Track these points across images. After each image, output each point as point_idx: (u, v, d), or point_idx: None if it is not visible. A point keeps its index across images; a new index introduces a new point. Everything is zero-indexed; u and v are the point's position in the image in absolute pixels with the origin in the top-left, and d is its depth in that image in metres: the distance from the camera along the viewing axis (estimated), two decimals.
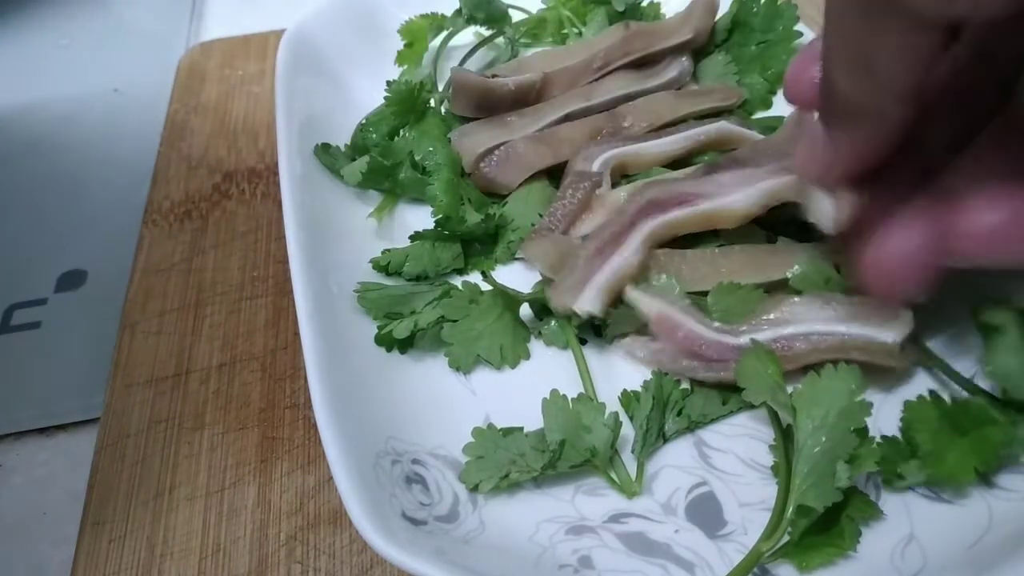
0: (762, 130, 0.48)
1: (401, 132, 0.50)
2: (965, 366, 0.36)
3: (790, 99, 0.36)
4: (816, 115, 0.33)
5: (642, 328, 0.39)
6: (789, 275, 0.39)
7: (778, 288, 0.39)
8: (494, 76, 0.50)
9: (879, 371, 0.36)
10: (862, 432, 0.31)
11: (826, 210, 0.35)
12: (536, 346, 0.40)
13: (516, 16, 0.58)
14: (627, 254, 0.39)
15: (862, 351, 0.35)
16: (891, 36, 0.26)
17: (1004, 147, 0.31)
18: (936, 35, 0.26)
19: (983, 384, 0.35)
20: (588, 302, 0.38)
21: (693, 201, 0.40)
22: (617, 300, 0.39)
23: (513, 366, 0.40)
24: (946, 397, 0.33)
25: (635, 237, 0.40)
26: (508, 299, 0.40)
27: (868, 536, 0.31)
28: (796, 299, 0.37)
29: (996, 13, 0.24)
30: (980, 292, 0.36)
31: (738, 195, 0.40)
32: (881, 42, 0.27)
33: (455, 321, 0.40)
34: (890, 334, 0.35)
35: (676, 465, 0.35)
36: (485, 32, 0.57)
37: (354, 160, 0.47)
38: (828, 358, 0.35)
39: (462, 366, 0.39)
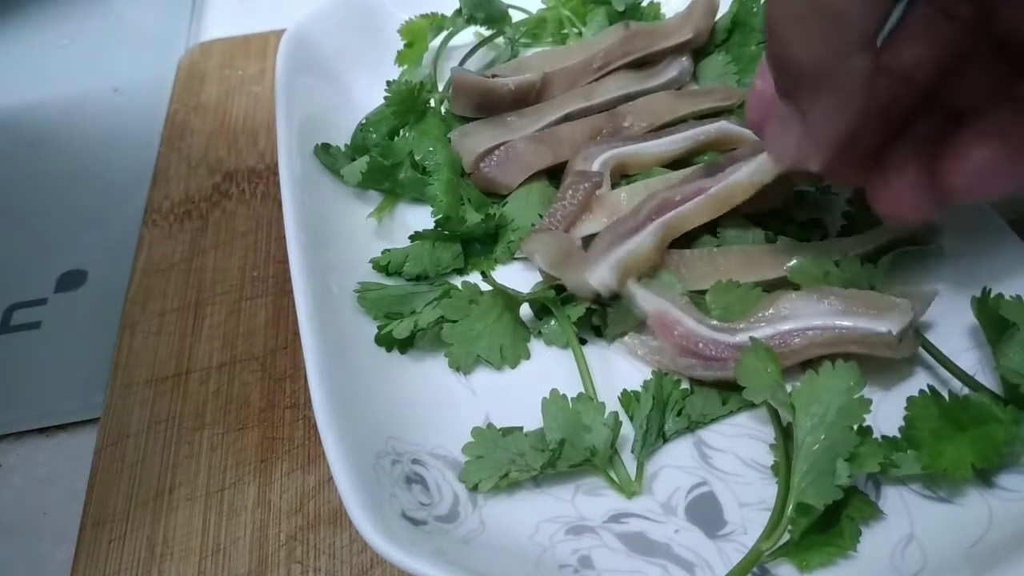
0: None
1: (401, 132, 0.50)
2: (966, 362, 0.36)
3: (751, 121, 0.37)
4: (777, 92, 0.32)
5: (642, 327, 0.39)
6: (786, 269, 0.39)
7: (777, 287, 0.39)
8: (494, 76, 0.50)
9: (880, 365, 0.36)
10: (863, 430, 0.31)
11: None
12: (536, 346, 0.40)
13: (516, 16, 0.58)
14: (640, 238, 0.39)
15: (859, 343, 0.35)
16: None
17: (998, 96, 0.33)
18: None
19: (985, 381, 0.35)
20: (601, 275, 0.38)
21: (703, 191, 0.41)
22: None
23: (513, 366, 0.40)
24: (945, 395, 0.33)
25: (650, 227, 0.40)
26: (508, 299, 0.40)
27: (868, 536, 0.31)
28: (792, 295, 0.37)
29: None
30: (981, 286, 0.36)
31: (743, 169, 0.40)
32: None
33: (455, 322, 0.40)
34: (887, 325, 0.35)
35: (676, 465, 0.35)
36: (485, 32, 0.57)
37: (354, 160, 0.47)
38: (826, 352, 0.35)
39: (462, 366, 0.39)
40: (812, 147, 0.32)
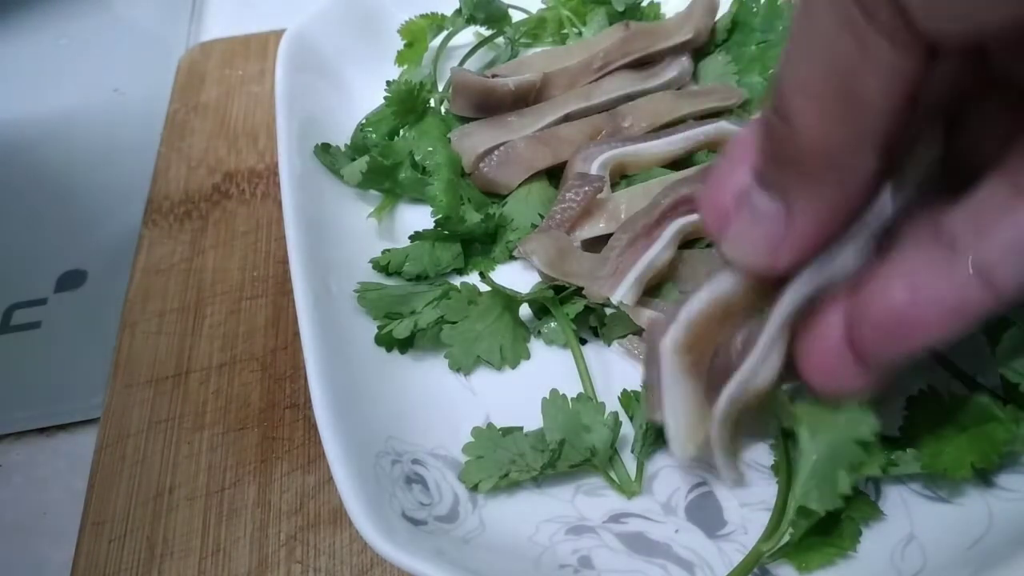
0: None
1: (401, 132, 0.50)
2: (966, 362, 0.36)
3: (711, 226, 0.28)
4: (755, 179, 0.26)
5: (640, 328, 0.39)
6: None
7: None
8: (494, 76, 0.50)
9: None
10: (865, 442, 0.31)
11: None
12: (536, 346, 0.40)
13: (516, 16, 0.58)
14: (659, 249, 0.39)
15: None
16: (881, 56, 0.21)
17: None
18: (926, 60, 0.22)
19: (985, 381, 0.34)
20: (624, 294, 0.38)
21: None
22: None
23: (513, 366, 0.40)
24: (945, 395, 0.33)
25: (667, 232, 0.40)
26: (507, 299, 0.40)
27: (868, 536, 0.31)
28: None
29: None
30: None
31: None
32: (870, 65, 0.22)
33: (455, 323, 0.40)
34: None
35: (676, 465, 0.35)
36: (485, 32, 0.57)
37: (354, 160, 0.47)
38: None
39: (462, 367, 0.39)
40: (788, 249, 0.26)
